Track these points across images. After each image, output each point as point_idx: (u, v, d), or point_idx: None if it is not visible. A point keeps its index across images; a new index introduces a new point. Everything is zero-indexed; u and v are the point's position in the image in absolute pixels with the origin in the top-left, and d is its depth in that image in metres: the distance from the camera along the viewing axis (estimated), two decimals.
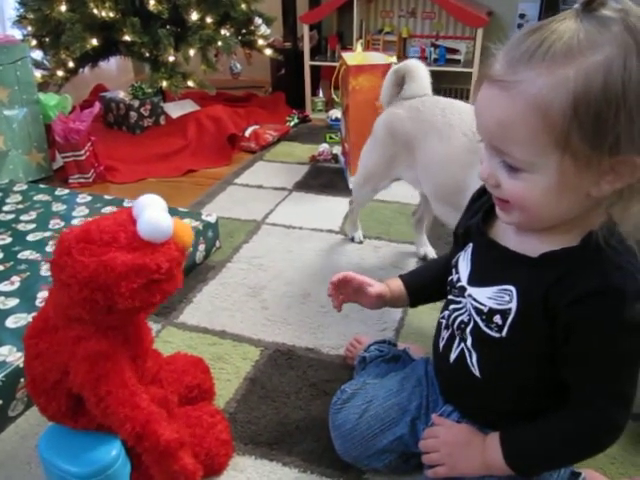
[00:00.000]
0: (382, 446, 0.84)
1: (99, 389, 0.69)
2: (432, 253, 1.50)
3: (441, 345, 0.81)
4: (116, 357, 0.72)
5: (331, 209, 1.80)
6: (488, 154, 0.64)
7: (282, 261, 1.50)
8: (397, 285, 0.93)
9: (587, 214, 0.64)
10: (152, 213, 0.71)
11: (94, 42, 2.26)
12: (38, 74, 2.25)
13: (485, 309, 0.71)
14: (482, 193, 0.78)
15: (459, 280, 0.77)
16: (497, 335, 0.70)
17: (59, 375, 0.73)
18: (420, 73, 1.30)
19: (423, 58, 2.64)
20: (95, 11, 2.22)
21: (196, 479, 0.81)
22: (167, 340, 1.20)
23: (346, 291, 0.93)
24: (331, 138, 2.36)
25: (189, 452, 0.74)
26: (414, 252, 1.52)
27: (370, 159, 1.40)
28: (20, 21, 2.41)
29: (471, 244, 0.77)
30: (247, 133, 2.35)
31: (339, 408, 0.88)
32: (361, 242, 1.58)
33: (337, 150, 2.18)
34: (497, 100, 0.59)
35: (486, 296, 0.71)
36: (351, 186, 1.65)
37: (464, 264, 0.77)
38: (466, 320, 0.75)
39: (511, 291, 0.68)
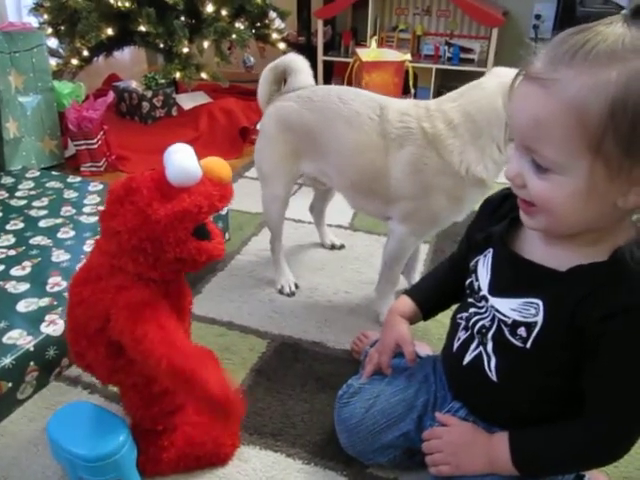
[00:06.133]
0: (387, 441, 0.84)
1: (136, 332, 0.70)
2: (337, 240, 1.55)
3: (456, 345, 0.80)
4: (155, 304, 0.73)
5: (340, 205, 1.78)
6: (518, 154, 0.63)
7: (290, 255, 1.50)
8: (409, 306, 0.90)
9: (614, 227, 0.63)
10: (177, 157, 0.71)
11: (109, 32, 2.28)
12: (53, 62, 2.27)
13: (509, 321, 0.70)
14: (504, 199, 0.77)
15: (480, 288, 0.76)
16: (521, 345, 0.69)
17: (101, 323, 0.74)
18: (302, 65, 1.27)
19: (437, 56, 2.64)
20: (111, 1, 2.23)
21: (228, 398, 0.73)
22: None
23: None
24: None
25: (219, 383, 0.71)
26: (422, 248, 1.51)
27: (265, 160, 1.31)
28: (36, 9, 2.44)
29: (491, 250, 0.76)
30: (258, 126, 2.35)
31: (345, 402, 0.88)
32: (293, 294, 1.33)
33: None
34: (534, 97, 0.58)
35: (510, 307, 0.70)
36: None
37: (484, 271, 0.76)
38: (488, 325, 0.74)
39: (537, 304, 0.67)
